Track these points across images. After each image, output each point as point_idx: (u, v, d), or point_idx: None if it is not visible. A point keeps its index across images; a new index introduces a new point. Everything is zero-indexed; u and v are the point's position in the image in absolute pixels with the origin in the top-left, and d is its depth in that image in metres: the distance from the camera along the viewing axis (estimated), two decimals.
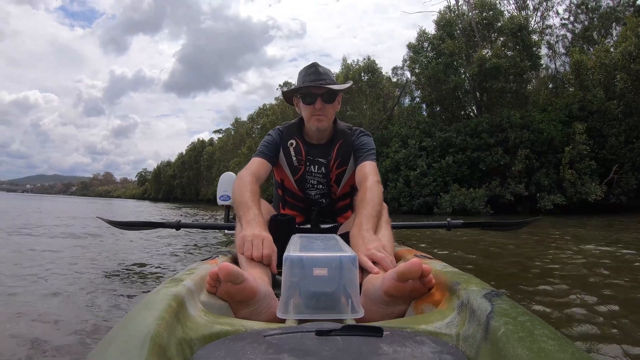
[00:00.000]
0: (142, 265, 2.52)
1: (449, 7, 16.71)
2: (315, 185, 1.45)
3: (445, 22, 15.45)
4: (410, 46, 16.03)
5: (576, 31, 16.70)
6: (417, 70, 15.70)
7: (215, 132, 41.99)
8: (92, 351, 0.48)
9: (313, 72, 1.35)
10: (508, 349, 0.47)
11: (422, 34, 15.74)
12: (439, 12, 16.39)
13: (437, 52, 14.97)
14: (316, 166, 1.42)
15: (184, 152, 46.75)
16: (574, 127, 12.18)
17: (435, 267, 0.86)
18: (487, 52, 14.23)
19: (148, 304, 0.60)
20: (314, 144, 1.43)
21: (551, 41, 17.28)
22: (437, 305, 0.73)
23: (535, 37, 15.76)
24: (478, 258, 2.93)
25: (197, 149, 42.35)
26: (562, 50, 17.11)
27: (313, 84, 1.32)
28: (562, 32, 17.36)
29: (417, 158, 13.56)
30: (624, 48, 12.24)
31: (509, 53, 13.95)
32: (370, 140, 1.42)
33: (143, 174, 73.82)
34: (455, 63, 14.66)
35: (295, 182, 1.45)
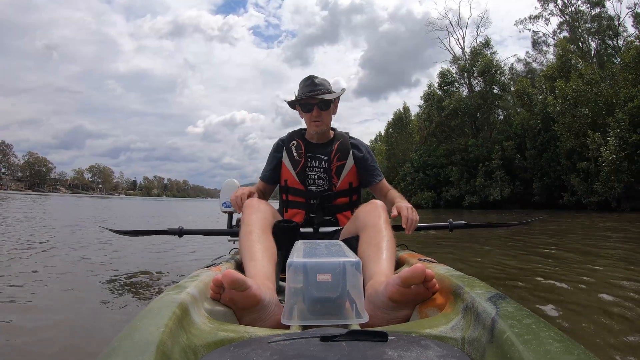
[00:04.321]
0: (145, 271, 2.51)
1: (454, 57, 25.91)
2: (316, 181, 1.55)
3: (442, 81, 26.02)
4: (423, 97, 27.02)
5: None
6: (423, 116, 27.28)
7: None
8: (96, 359, 0.48)
9: (310, 84, 1.52)
10: (514, 352, 0.47)
11: (431, 86, 26.87)
12: (441, 69, 26.32)
13: (439, 107, 24.96)
14: (317, 161, 1.56)
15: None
16: (502, 145, 20.23)
17: (439, 271, 0.86)
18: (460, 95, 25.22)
19: (152, 311, 0.60)
20: (314, 143, 1.61)
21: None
22: (442, 309, 0.73)
23: (547, 48, 23.60)
24: (481, 261, 2.91)
25: None
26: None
27: (309, 96, 1.50)
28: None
29: (407, 175, 26.48)
30: (548, 68, 15.16)
31: (478, 89, 23.70)
32: (373, 158, 1.66)
33: None
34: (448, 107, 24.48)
35: (297, 175, 1.55)
